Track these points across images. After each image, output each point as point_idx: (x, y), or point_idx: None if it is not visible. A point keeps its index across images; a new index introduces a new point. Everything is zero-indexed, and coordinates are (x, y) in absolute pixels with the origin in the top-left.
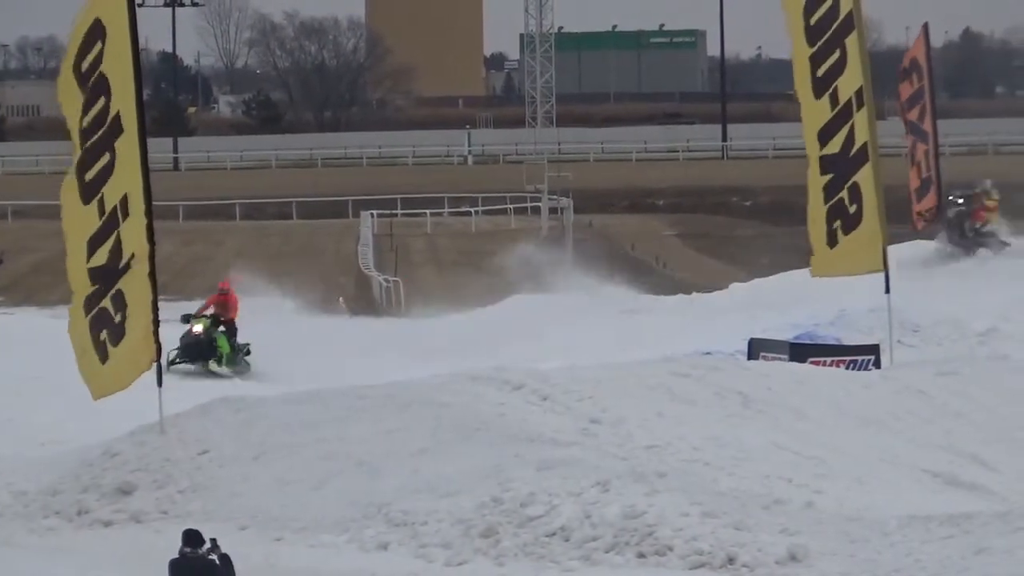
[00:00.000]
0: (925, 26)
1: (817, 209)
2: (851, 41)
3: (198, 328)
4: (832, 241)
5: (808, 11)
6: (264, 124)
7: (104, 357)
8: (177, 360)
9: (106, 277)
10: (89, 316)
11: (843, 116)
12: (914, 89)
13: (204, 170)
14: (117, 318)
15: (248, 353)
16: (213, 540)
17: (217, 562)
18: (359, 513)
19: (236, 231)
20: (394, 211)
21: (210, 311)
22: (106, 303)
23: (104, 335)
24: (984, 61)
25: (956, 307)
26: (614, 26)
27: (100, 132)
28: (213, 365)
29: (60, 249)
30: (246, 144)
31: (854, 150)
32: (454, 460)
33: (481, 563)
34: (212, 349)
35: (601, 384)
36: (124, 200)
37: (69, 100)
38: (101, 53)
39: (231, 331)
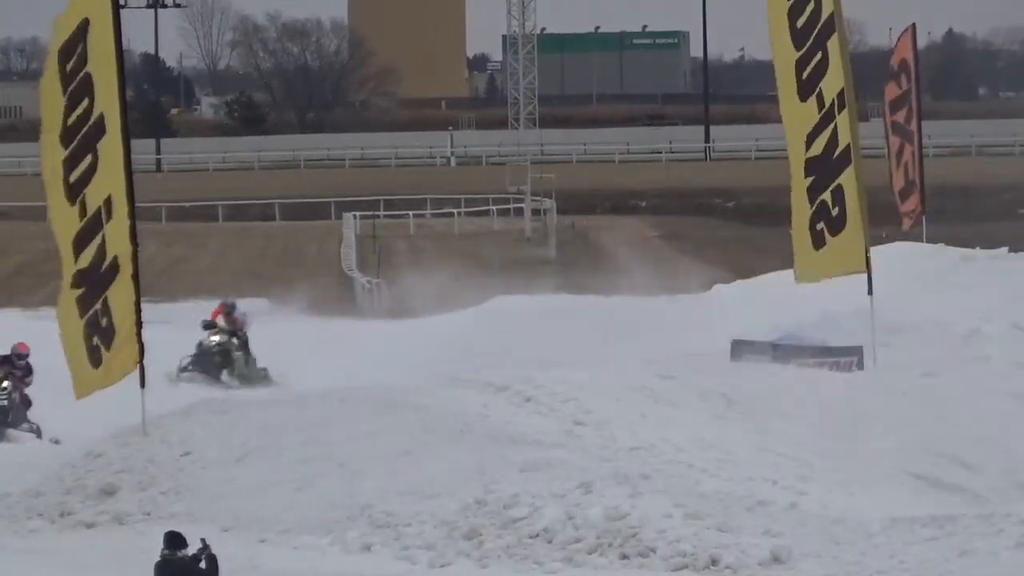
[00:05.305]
0: (912, 27)
1: (801, 214)
2: (833, 43)
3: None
4: (818, 243)
5: (793, 14)
6: (247, 125)
7: (97, 362)
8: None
9: (92, 280)
10: (84, 319)
11: (826, 118)
12: (902, 91)
13: (187, 171)
14: (104, 322)
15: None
16: (203, 540)
17: (202, 564)
18: (342, 515)
19: (218, 232)
20: (377, 212)
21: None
22: (98, 307)
23: (97, 340)
24: (967, 62)
25: (939, 309)
26: (597, 27)
27: (83, 133)
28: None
29: (43, 251)
30: (229, 145)
31: (837, 152)
32: (437, 462)
33: (464, 565)
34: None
35: (585, 386)
36: (108, 201)
37: (50, 100)
38: (85, 55)
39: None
